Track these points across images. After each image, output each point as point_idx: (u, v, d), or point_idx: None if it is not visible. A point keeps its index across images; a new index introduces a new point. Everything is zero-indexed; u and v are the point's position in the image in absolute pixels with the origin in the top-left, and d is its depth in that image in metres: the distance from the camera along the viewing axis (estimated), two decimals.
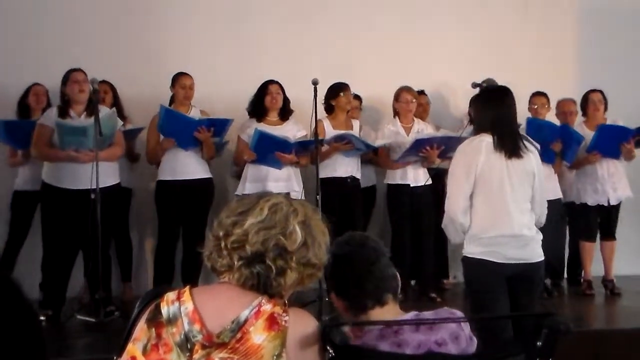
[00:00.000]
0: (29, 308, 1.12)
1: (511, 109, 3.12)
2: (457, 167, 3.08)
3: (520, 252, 3.00)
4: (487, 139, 3.03)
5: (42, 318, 4.13)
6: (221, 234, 1.60)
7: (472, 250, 3.04)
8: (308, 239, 1.59)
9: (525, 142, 3.10)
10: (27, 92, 5.01)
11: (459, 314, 1.86)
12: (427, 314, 1.85)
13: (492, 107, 3.11)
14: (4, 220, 4.97)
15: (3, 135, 4.91)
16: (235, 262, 1.58)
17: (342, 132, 5.03)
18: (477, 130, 3.15)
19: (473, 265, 3.05)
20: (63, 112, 4.43)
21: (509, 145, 3.02)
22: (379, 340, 1.77)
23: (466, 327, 1.85)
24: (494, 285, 2.99)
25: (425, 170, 5.14)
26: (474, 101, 3.38)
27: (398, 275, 1.95)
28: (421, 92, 5.55)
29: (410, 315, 1.86)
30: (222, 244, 1.59)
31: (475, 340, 1.85)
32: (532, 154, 3.08)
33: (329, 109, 5.18)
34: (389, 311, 1.88)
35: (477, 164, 2.99)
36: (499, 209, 3.00)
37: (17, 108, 5.00)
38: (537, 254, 3.07)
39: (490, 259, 2.99)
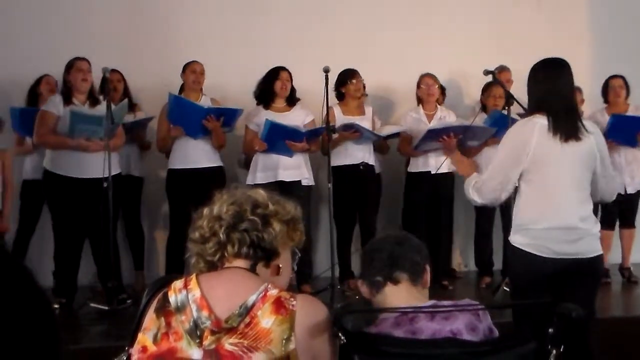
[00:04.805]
0: (42, 295, 1.11)
1: (568, 83, 2.83)
2: (505, 151, 2.81)
3: (571, 247, 2.74)
4: (540, 121, 2.74)
5: (55, 306, 4.17)
6: (197, 233, 1.66)
7: (519, 240, 2.80)
8: (271, 196, 1.67)
9: (585, 122, 2.81)
10: (38, 82, 5.01)
11: (478, 306, 1.84)
12: (446, 303, 1.83)
13: (546, 81, 2.81)
14: (15, 209, 4.98)
15: (18, 123, 4.92)
16: (222, 235, 1.62)
17: (349, 121, 4.97)
18: (531, 111, 2.86)
19: (518, 256, 2.81)
20: (67, 99, 4.40)
21: (566, 126, 2.71)
22: (394, 327, 1.77)
23: (485, 319, 1.82)
24: (536, 279, 2.74)
25: (447, 157, 5.09)
26: (528, 78, 2.96)
27: (425, 266, 1.93)
28: None
29: (429, 304, 1.85)
30: (203, 235, 1.65)
31: (496, 331, 1.83)
32: (592, 135, 2.78)
33: (340, 96, 5.17)
34: (404, 292, 1.88)
35: (530, 148, 2.71)
36: (551, 198, 2.74)
37: (27, 96, 4.99)
38: (591, 249, 2.78)
39: (537, 253, 2.74)
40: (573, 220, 2.75)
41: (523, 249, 2.79)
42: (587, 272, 2.79)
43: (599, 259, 2.83)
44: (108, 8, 5.49)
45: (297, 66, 5.01)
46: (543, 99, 2.79)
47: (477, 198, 2.87)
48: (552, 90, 2.78)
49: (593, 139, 2.78)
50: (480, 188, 2.84)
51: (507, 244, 2.97)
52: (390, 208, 5.50)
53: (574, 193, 2.77)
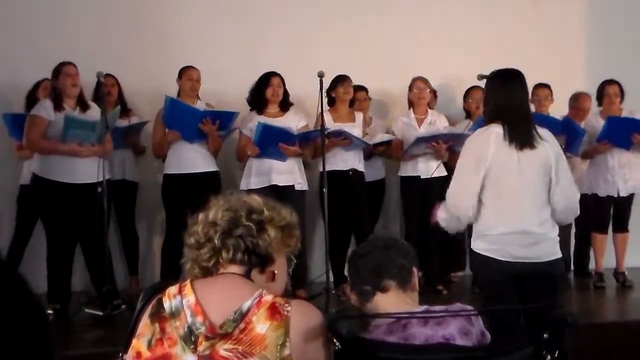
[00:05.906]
0: (34, 302, 1.11)
1: (522, 93, 2.93)
2: (465, 161, 2.90)
3: (528, 251, 2.82)
4: (496, 130, 2.84)
5: (49, 312, 4.15)
6: (192, 239, 1.65)
7: (479, 245, 2.90)
8: (267, 202, 1.67)
9: (540, 130, 2.89)
10: (37, 87, 4.99)
11: (471, 311, 1.84)
12: (438, 309, 1.83)
13: (500, 91, 2.91)
14: (12, 214, 4.98)
15: (12, 128, 4.91)
16: (216, 241, 1.61)
17: (336, 128, 4.93)
18: (487, 120, 2.94)
19: (479, 261, 2.93)
20: (57, 105, 4.38)
21: (520, 135, 2.82)
22: (387, 335, 1.77)
23: (477, 323, 1.83)
24: (499, 282, 2.84)
25: (440, 162, 5.10)
26: (484, 89, 3.13)
27: (412, 269, 1.93)
28: None
29: (422, 309, 1.85)
30: (198, 240, 1.64)
31: (488, 336, 1.83)
32: (547, 142, 2.87)
33: (330, 102, 5.16)
34: (394, 298, 1.87)
35: (487, 157, 2.81)
36: (507, 204, 2.83)
37: (25, 102, 4.97)
38: (548, 253, 2.87)
39: (495, 257, 2.84)
40: (529, 225, 2.83)
41: (483, 253, 2.88)
42: (546, 276, 2.85)
43: (557, 263, 2.90)
44: (103, 12, 5.48)
45: (294, 70, 5.01)
46: (498, 109, 2.89)
47: (449, 218, 2.94)
48: (507, 100, 2.88)
49: (548, 146, 2.88)
50: (453, 205, 2.91)
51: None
52: (393, 213, 5.50)
53: (530, 199, 2.85)
